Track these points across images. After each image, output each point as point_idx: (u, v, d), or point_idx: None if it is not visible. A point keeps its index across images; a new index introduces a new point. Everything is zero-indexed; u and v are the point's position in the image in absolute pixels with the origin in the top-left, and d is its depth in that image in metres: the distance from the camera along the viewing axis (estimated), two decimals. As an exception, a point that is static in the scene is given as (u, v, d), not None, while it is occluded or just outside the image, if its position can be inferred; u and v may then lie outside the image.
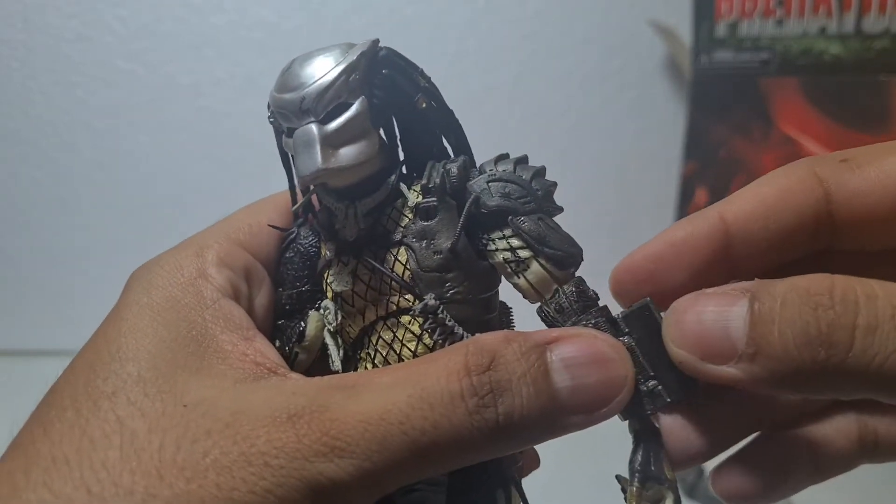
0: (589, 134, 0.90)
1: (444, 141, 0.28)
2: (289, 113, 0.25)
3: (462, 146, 0.29)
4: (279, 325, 0.30)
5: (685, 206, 0.81)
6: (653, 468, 0.26)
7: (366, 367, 0.28)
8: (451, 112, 0.28)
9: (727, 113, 0.77)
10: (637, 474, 0.26)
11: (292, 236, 0.29)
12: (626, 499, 0.26)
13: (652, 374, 0.26)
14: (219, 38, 0.84)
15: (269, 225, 0.29)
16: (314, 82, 0.24)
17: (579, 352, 0.24)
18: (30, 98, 0.85)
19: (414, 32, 0.86)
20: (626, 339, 0.26)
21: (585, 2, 0.87)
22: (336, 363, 0.28)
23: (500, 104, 0.88)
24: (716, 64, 0.76)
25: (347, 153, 0.25)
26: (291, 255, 0.29)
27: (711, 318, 0.22)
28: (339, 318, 0.28)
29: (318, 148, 0.24)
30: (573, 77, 0.88)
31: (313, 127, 0.24)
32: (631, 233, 0.92)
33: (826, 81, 0.70)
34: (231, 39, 0.84)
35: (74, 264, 0.89)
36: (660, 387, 0.26)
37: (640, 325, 0.26)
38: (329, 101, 0.24)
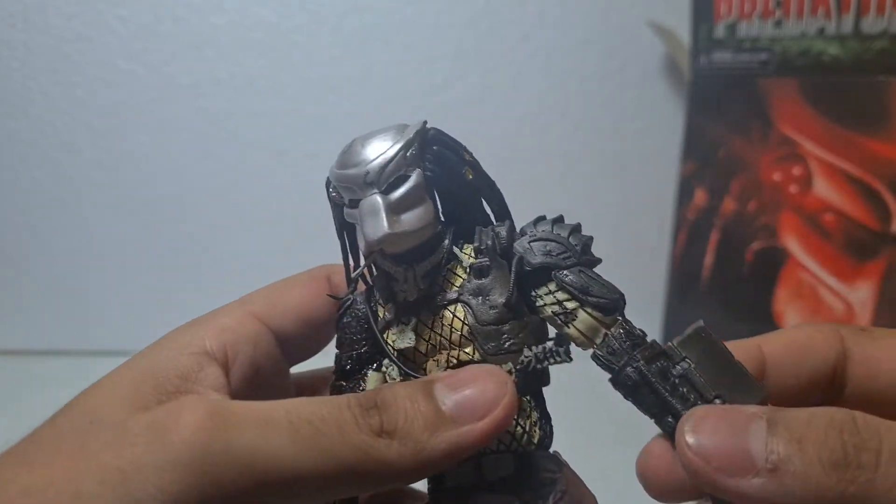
0: (588, 134, 0.90)
1: (486, 207, 0.32)
2: (354, 186, 0.28)
3: (503, 212, 0.32)
4: (338, 385, 0.32)
5: (684, 206, 0.81)
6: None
7: None
8: (493, 182, 0.31)
9: (726, 113, 0.77)
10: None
11: (349, 303, 0.31)
12: None
13: (715, 393, 0.26)
14: (219, 39, 0.84)
15: (328, 295, 0.32)
16: (376, 157, 0.28)
17: (460, 373, 0.27)
18: (30, 98, 0.85)
19: (414, 32, 0.86)
20: (684, 364, 0.27)
21: (585, 2, 0.87)
22: None
23: (500, 104, 0.88)
24: (715, 64, 0.76)
25: (409, 219, 0.28)
26: (349, 319, 0.31)
27: (730, 430, 0.23)
28: (401, 377, 0.30)
29: (383, 214, 0.27)
30: (573, 77, 0.89)
31: (378, 197, 0.27)
32: (630, 233, 0.92)
33: (825, 82, 0.70)
34: (231, 39, 0.85)
35: (74, 264, 0.89)
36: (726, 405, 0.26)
37: (698, 347, 0.27)
38: (390, 173, 0.28)
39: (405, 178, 0.28)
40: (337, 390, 0.31)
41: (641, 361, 0.27)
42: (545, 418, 0.30)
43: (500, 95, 0.88)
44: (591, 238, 0.30)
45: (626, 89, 0.89)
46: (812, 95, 0.71)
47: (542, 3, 0.87)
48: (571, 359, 0.29)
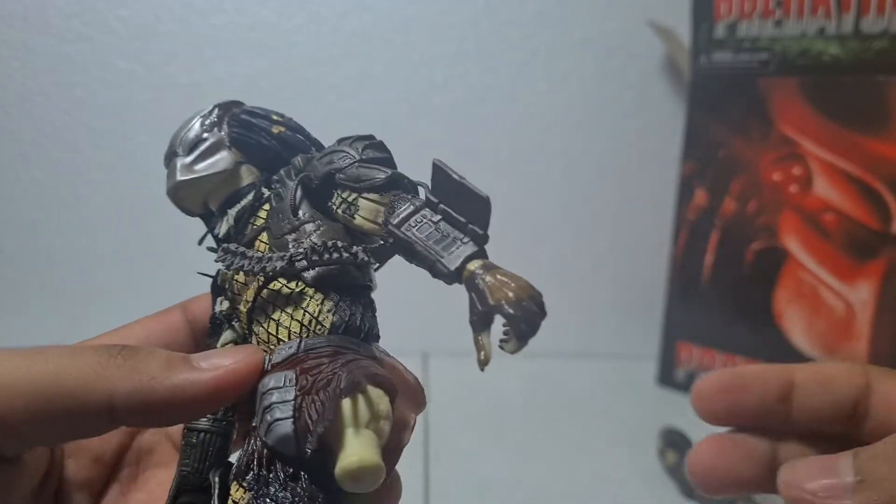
0: (588, 134, 0.90)
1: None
2: (167, 162, 0.33)
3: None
4: (205, 344, 0.32)
5: (684, 206, 0.81)
6: (476, 310, 0.25)
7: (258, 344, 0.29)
8: (318, 141, 0.33)
9: (726, 113, 0.77)
10: (471, 325, 0.26)
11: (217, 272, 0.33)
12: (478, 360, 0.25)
13: (464, 220, 0.27)
14: (219, 39, 0.84)
15: (199, 272, 0.33)
16: (181, 134, 0.33)
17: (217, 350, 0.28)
18: (30, 98, 0.85)
19: (414, 32, 0.86)
20: (441, 206, 0.27)
21: (585, 2, 0.87)
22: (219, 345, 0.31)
23: (500, 104, 0.88)
24: (715, 64, 0.76)
25: (203, 168, 0.32)
26: (212, 288, 0.32)
27: (823, 471, 0.26)
28: (225, 305, 0.31)
29: (178, 168, 0.32)
30: (573, 77, 0.89)
31: (177, 159, 0.33)
32: (630, 232, 0.92)
33: (825, 82, 0.70)
34: (231, 40, 0.85)
35: (74, 264, 0.89)
36: (474, 226, 0.27)
37: (444, 187, 0.27)
38: (190, 140, 0.33)
39: (203, 141, 0.32)
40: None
41: (393, 225, 0.27)
42: (347, 310, 0.28)
43: (500, 95, 0.88)
44: (379, 143, 0.30)
45: (626, 89, 0.89)
46: (812, 95, 0.71)
47: (542, 3, 0.87)
48: (357, 257, 0.28)
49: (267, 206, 0.31)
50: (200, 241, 0.34)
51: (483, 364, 0.25)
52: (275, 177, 0.32)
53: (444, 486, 0.63)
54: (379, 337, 0.29)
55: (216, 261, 0.30)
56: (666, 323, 0.84)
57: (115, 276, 0.89)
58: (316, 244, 0.28)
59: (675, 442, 0.64)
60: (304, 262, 0.28)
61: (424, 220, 0.28)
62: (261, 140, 0.33)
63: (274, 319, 0.28)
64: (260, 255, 0.29)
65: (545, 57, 0.88)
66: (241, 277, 0.30)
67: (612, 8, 0.87)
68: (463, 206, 0.27)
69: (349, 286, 0.29)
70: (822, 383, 0.30)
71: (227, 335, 0.31)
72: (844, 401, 0.30)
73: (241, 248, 0.29)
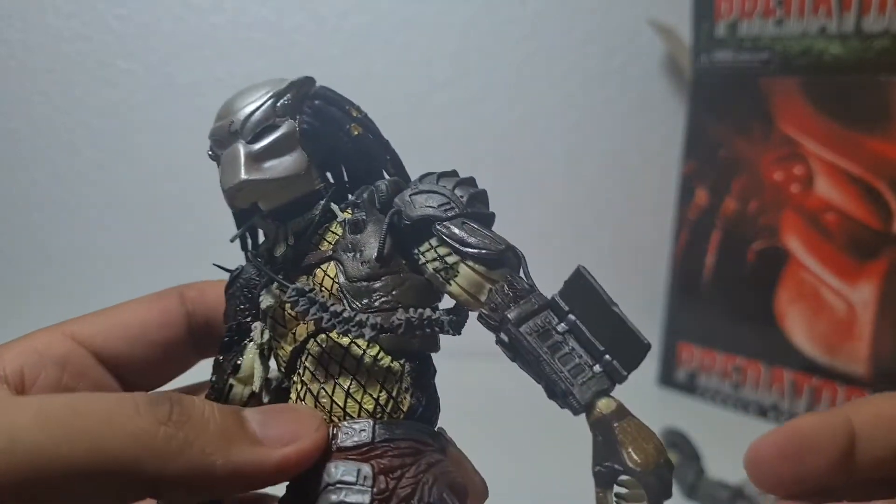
0: (589, 134, 0.90)
1: (385, 173, 0.29)
2: (221, 138, 0.27)
3: (399, 172, 0.29)
4: (217, 360, 0.29)
5: (685, 205, 0.81)
6: (607, 463, 0.23)
7: (297, 390, 0.26)
8: (388, 143, 0.29)
9: (727, 113, 0.77)
10: (595, 476, 0.23)
11: (237, 272, 0.29)
12: None
13: (602, 349, 0.24)
14: (218, 38, 0.84)
15: (214, 265, 0.30)
16: (244, 107, 0.26)
17: (275, 406, 0.25)
18: (30, 98, 0.84)
19: (414, 32, 0.86)
20: (570, 317, 0.24)
21: (585, 2, 0.87)
22: (256, 383, 0.28)
23: (500, 104, 0.88)
24: (716, 64, 0.76)
25: (273, 166, 0.26)
26: (234, 290, 0.29)
27: None
28: (266, 337, 0.27)
29: (241, 161, 0.26)
30: (573, 77, 0.88)
31: (239, 145, 0.26)
32: (631, 232, 0.92)
33: (826, 81, 0.70)
34: (231, 39, 0.84)
35: (74, 265, 0.89)
36: (614, 361, 0.24)
37: (580, 297, 0.24)
38: (256, 123, 0.26)
39: (273, 129, 0.26)
40: (216, 365, 0.29)
41: (511, 322, 0.24)
42: (423, 389, 0.26)
43: (501, 95, 0.88)
44: (482, 191, 0.27)
45: (626, 88, 0.89)
46: (813, 95, 0.71)
47: (543, 2, 0.86)
48: (459, 332, 0.26)
49: (337, 229, 0.27)
50: (234, 239, 0.30)
51: None
52: (355, 198, 0.27)
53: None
54: (439, 409, 0.27)
55: (287, 300, 0.25)
56: (667, 323, 0.84)
57: (114, 276, 0.89)
58: (421, 313, 0.25)
59: (675, 442, 0.64)
60: (404, 331, 0.24)
61: (548, 328, 0.24)
62: (338, 140, 0.28)
63: (341, 386, 0.25)
64: (344, 311, 0.25)
65: (545, 56, 0.88)
66: (290, 308, 0.26)
67: (612, 7, 0.87)
68: (600, 328, 0.24)
69: (424, 356, 0.26)
70: (885, 427, 0.27)
71: (257, 367, 0.27)
72: None
73: (320, 296, 0.25)
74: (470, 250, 0.25)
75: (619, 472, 0.22)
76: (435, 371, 0.27)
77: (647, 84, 0.89)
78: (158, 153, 0.86)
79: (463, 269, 0.26)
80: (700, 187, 0.80)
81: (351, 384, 0.25)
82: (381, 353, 0.25)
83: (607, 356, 0.24)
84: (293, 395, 0.26)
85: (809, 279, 0.74)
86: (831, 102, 0.70)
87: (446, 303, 0.27)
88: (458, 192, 0.27)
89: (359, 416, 0.25)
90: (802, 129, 0.72)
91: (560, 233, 0.91)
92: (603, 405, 0.24)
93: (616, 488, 0.23)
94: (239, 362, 0.28)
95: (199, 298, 0.32)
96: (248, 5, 0.84)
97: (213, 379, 0.28)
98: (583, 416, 0.24)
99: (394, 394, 0.25)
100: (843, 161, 0.70)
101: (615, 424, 0.23)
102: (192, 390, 0.32)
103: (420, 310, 0.25)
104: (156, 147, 0.86)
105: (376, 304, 0.25)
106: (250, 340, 0.28)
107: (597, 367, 0.24)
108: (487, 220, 0.27)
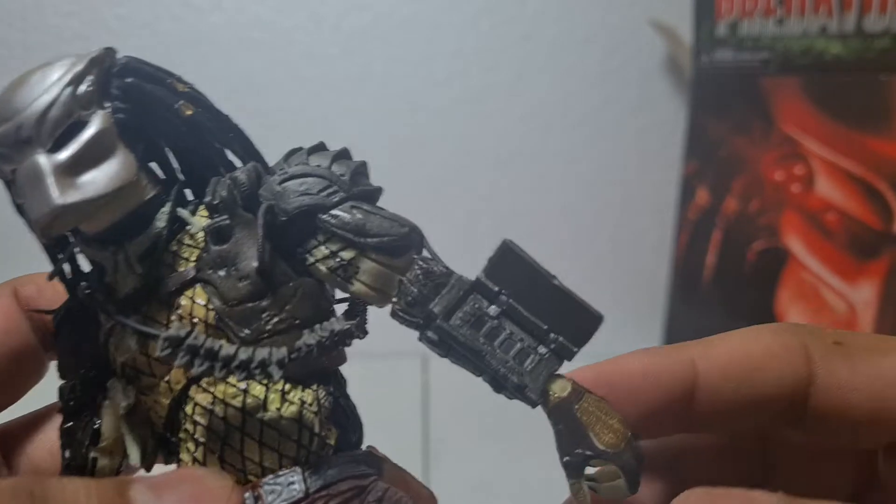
0: (589, 133, 0.90)
1: (230, 154, 0.24)
2: (8, 151, 0.20)
3: (250, 153, 0.24)
4: (66, 428, 0.23)
5: (686, 205, 0.81)
6: (577, 451, 0.21)
7: (189, 450, 0.22)
8: (228, 118, 0.23)
9: (728, 112, 0.77)
10: (565, 467, 0.21)
11: (62, 313, 0.23)
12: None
13: (545, 327, 0.22)
14: (217, 37, 0.84)
15: (30, 310, 0.24)
16: (31, 102, 0.20)
17: (168, 474, 0.20)
18: (28, 97, 0.84)
19: (414, 32, 0.86)
20: (501, 298, 0.22)
21: (585, 2, 0.87)
22: (133, 457, 0.23)
23: (500, 103, 0.88)
24: (716, 63, 0.76)
25: (94, 180, 0.20)
26: (65, 335, 0.23)
27: None
28: (133, 397, 0.22)
29: (50, 181, 0.19)
30: (573, 76, 0.88)
31: (39, 157, 0.19)
32: (631, 232, 0.92)
33: (827, 81, 0.70)
34: (230, 38, 0.84)
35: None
36: (561, 338, 0.22)
37: (510, 275, 0.22)
38: (55, 122, 0.20)
39: (80, 126, 0.20)
40: (66, 435, 0.23)
41: (439, 317, 0.21)
42: (343, 410, 0.22)
43: (501, 94, 0.88)
44: (362, 163, 0.23)
45: (627, 88, 0.89)
46: (814, 94, 0.71)
47: (542, 2, 0.86)
48: (366, 333, 0.23)
49: (193, 241, 0.22)
50: (52, 277, 0.23)
51: None
52: (210, 197, 0.22)
53: (444, 487, 0.62)
54: (361, 423, 0.23)
55: (160, 353, 0.20)
56: (667, 323, 0.84)
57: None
58: (332, 330, 0.21)
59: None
60: (317, 355, 0.20)
61: (480, 314, 0.21)
62: (166, 125, 0.22)
63: (252, 437, 0.21)
64: (238, 352, 0.20)
65: (545, 55, 0.88)
66: (153, 350, 0.21)
67: (612, 6, 0.87)
68: (539, 305, 0.22)
69: (334, 371, 0.23)
70: (737, 378, 0.23)
71: (127, 434, 0.22)
72: (772, 400, 0.23)
73: (200, 337, 0.20)
74: (370, 240, 0.21)
75: (590, 458, 0.21)
76: (346, 382, 0.23)
77: (647, 84, 0.89)
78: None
79: (365, 263, 0.22)
80: (700, 187, 0.80)
81: (263, 433, 0.21)
82: (289, 386, 0.21)
83: (552, 334, 0.22)
84: (184, 457, 0.22)
85: (810, 279, 0.74)
86: (832, 102, 0.70)
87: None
88: (336, 169, 0.22)
89: (280, 466, 0.21)
90: (803, 129, 0.72)
91: (560, 232, 0.91)
92: (558, 388, 0.22)
93: (586, 470, 0.21)
94: (97, 426, 0.22)
95: (37, 296, 0.27)
96: (248, 4, 0.84)
97: (67, 455, 0.23)
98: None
99: (315, 429, 0.21)
100: (843, 161, 0.70)
101: (575, 407, 0.21)
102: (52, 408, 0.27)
103: (326, 325, 0.21)
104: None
105: (268, 327, 0.21)
106: (105, 399, 0.23)
107: (541, 349, 0.22)
108: (374, 196, 0.23)
